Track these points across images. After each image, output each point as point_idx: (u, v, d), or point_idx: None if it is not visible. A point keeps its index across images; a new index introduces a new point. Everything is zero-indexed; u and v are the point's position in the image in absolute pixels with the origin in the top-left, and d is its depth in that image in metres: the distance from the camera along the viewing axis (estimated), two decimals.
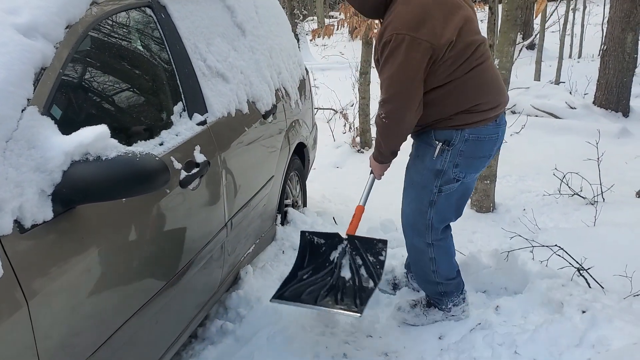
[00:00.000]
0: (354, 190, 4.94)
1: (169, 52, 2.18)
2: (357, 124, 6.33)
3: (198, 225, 2.13)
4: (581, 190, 4.45)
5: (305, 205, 3.75)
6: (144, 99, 2.11)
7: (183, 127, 2.11)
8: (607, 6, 11.79)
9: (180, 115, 2.15)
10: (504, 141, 2.58)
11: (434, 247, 2.53)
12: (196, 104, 2.26)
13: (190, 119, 2.19)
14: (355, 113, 6.49)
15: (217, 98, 2.41)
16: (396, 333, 2.60)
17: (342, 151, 6.15)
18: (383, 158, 2.49)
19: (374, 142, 6.28)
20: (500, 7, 7.04)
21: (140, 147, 1.82)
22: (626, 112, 7.15)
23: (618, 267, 3.05)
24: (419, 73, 2.16)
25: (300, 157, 3.68)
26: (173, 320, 2.07)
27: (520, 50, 11.96)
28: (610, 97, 7.10)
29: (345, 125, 6.83)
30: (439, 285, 2.60)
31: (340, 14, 6.73)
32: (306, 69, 3.94)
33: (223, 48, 2.59)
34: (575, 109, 7.06)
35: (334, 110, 7.73)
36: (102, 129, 1.46)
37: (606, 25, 7.34)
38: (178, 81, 2.19)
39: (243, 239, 2.66)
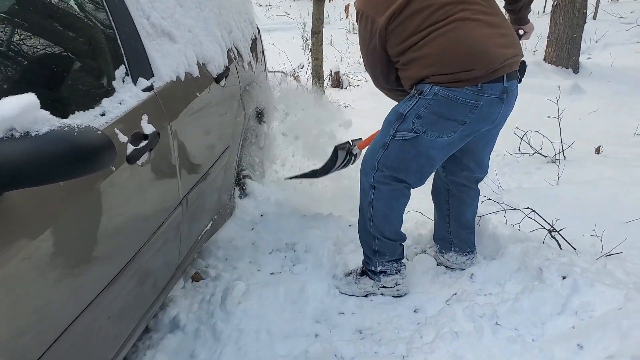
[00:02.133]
0: None
1: (107, 8, 1.89)
2: (310, 86, 6.08)
3: (150, 204, 1.89)
4: (541, 149, 4.40)
5: (263, 175, 3.53)
6: (80, 63, 1.82)
7: (127, 94, 1.84)
8: None
9: (124, 81, 1.87)
10: None
11: (375, 191, 2.43)
12: (141, 67, 1.98)
13: (135, 84, 1.92)
14: (308, 75, 6.23)
15: (164, 60, 2.13)
16: (368, 308, 2.45)
17: None
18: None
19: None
20: None
21: (79, 119, 1.56)
22: (576, 69, 7.16)
23: (586, 227, 2.99)
24: (371, 43, 2.30)
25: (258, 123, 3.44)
26: (128, 311, 1.85)
27: None
28: (561, 53, 7.08)
29: (297, 89, 6.57)
30: (375, 240, 2.51)
31: None
32: (258, 27, 3.67)
33: (168, 3, 2.30)
34: (527, 66, 7.00)
35: (284, 73, 7.44)
36: (30, 99, 1.19)
37: None
38: (119, 41, 1.90)
39: (201, 216, 2.43)
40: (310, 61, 5.92)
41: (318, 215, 3.13)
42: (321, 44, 5.77)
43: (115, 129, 1.69)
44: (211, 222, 2.61)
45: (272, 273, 2.71)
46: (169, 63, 2.16)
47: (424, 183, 2.47)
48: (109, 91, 1.79)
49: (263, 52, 3.75)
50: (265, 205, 3.02)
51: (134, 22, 2.00)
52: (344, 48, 9.21)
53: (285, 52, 7.69)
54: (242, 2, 3.37)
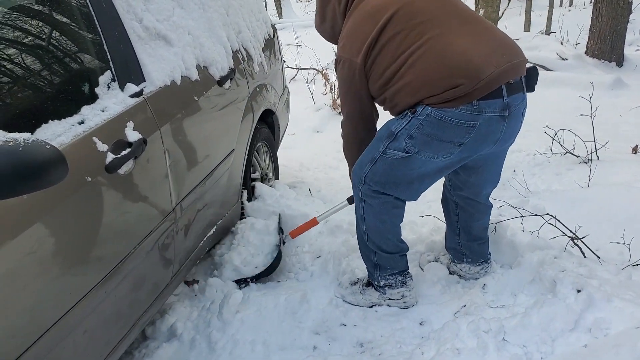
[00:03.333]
0: (334, 156, 4.67)
1: (93, 12, 1.86)
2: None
3: (134, 214, 1.84)
4: (574, 148, 4.18)
5: (277, 177, 3.46)
6: (58, 69, 1.78)
7: (111, 101, 1.80)
8: None
9: (109, 87, 1.83)
10: None
11: (364, 205, 2.32)
12: (129, 72, 1.94)
13: (122, 90, 1.88)
14: None
15: (158, 64, 2.09)
16: (372, 320, 2.35)
17: (323, 114, 5.82)
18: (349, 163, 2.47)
19: None
20: None
21: (52, 129, 1.53)
22: (620, 62, 6.83)
23: (614, 233, 2.82)
24: (352, 87, 2.21)
25: (270, 126, 3.38)
26: (118, 318, 1.81)
27: (509, 0, 11.55)
28: (604, 46, 6.76)
29: (325, 86, 6.49)
30: (373, 254, 2.40)
31: None
32: (273, 26, 3.60)
33: (165, 5, 2.26)
34: (566, 60, 6.74)
35: (315, 69, 7.37)
36: None
37: None
38: (105, 46, 1.86)
39: (200, 223, 2.38)
40: None
41: (328, 219, 3.04)
42: None
43: (94, 137, 1.65)
44: (215, 227, 2.56)
45: (278, 281, 2.65)
46: (163, 67, 2.11)
47: (416, 199, 2.33)
48: (91, 98, 1.76)
49: (280, 51, 3.67)
50: (275, 209, 2.94)
51: (123, 26, 1.96)
52: None
53: (314, 50, 7.59)
54: (255, 1, 3.30)
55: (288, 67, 7.19)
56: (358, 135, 2.35)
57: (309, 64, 7.67)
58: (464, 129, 2.02)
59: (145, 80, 2.00)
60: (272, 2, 14.85)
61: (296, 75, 7.37)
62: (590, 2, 9.55)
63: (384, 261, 2.39)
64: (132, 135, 1.81)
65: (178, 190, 2.10)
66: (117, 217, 1.75)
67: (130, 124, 1.82)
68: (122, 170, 1.75)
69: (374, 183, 2.24)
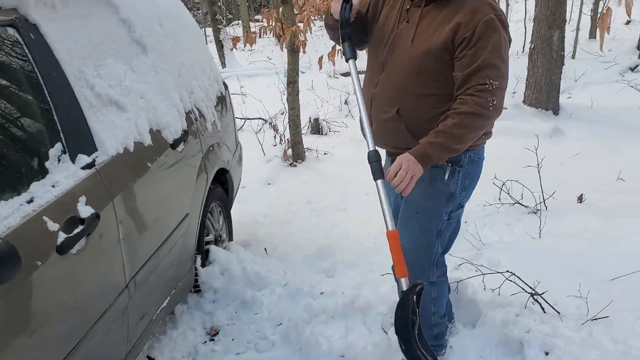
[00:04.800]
0: (287, 209, 4.61)
1: (42, 82, 1.76)
2: (287, 135, 5.98)
3: (86, 295, 1.71)
4: (522, 198, 4.27)
5: (231, 238, 3.35)
6: (5, 143, 1.66)
7: (62, 175, 1.70)
8: (529, 2, 11.99)
9: (59, 160, 1.72)
10: None
11: (437, 285, 2.24)
12: (81, 142, 1.84)
13: (73, 162, 1.78)
14: (286, 124, 6.12)
15: (110, 132, 1.99)
16: None
17: (273, 166, 5.76)
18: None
19: (307, 154, 5.96)
20: None
21: None
22: (556, 110, 7.12)
23: (571, 285, 2.85)
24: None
25: (223, 184, 3.29)
26: None
27: None
28: (540, 95, 7.04)
29: (275, 137, 6.46)
30: (434, 327, 2.32)
31: (262, 20, 6.36)
32: (224, 83, 3.55)
33: (117, 70, 2.18)
34: (506, 109, 6.95)
35: (263, 119, 7.35)
36: None
37: (531, 23, 7.30)
38: (55, 117, 1.76)
39: (153, 295, 2.25)
40: (287, 110, 5.81)
41: (288, 282, 2.96)
42: (297, 94, 5.68)
43: (44, 216, 1.54)
44: (168, 298, 2.43)
45: (237, 353, 2.52)
46: (115, 134, 2.02)
47: None
48: (41, 173, 1.64)
49: (231, 109, 3.62)
50: (231, 274, 2.84)
51: (74, 94, 1.87)
52: (325, 93, 9.15)
53: (263, 100, 7.60)
54: (207, 60, 3.26)
55: (235, 117, 7.14)
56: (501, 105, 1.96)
57: (255, 113, 7.65)
58: (481, 164, 2.16)
59: (97, 150, 1.91)
60: (214, 51, 14.87)
61: (243, 125, 7.33)
62: (523, 52, 10.04)
63: (444, 325, 2.39)
64: (85, 210, 1.70)
65: (132, 264, 1.99)
66: (69, 301, 1.62)
67: (83, 199, 1.71)
68: (75, 249, 1.63)
69: (443, 255, 2.20)
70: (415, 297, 1.81)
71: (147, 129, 2.25)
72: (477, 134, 1.91)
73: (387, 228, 1.89)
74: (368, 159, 1.96)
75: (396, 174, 1.83)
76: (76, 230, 1.63)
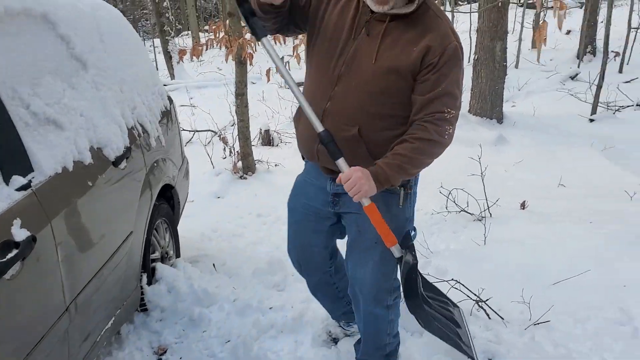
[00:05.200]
0: (237, 223, 4.57)
1: None
2: (237, 147, 5.95)
3: (23, 321, 1.66)
4: (467, 206, 4.38)
5: (178, 255, 3.31)
6: None
7: None
8: (473, 14, 12.32)
9: None
10: None
11: (394, 308, 2.25)
12: (15, 163, 1.78)
13: (7, 184, 1.72)
14: (235, 136, 6.10)
15: (48, 151, 1.94)
16: None
17: (223, 179, 5.72)
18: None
19: (258, 166, 5.93)
20: None
21: None
22: (500, 119, 7.33)
23: (514, 291, 2.93)
24: None
25: (169, 200, 3.25)
26: None
27: None
28: (485, 105, 7.25)
29: (225, 150, 6.42)
30: (387, 346, 2.33)
31: (210, 33, 6.32)
32: (169, 98, 3.52)
33: (55, 88, 2.12)
34: None
35: (212, 131, 7.30)
36: None
37: (475, 35, 7.51)
38: None
39: (97, 316, 2.20)
40: (237, 122, 5.79)
41: (237, 298, 2.94)
42: (246, 105, 5.67)
43: None
44: (113, 319, 2.38)
45: None
46: (53, 154, 1.97)
47: None
48: None
49: (177, 122, 3.59)
50: (178, 291, 2.80)
51: (8, 114, 1.82)
52: (276, 104, 9.17)
53: (211, 112, 7.56)
54: (150, 75, 3.22)
55: (183, 129, 7.07)
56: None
57: (204, 125, 7.59)
58: None
59: (33, 170, 1.85)
60: (163, 62, 14.69)
61: (192, 137, 7.26)
62: (469, 62, 10.29)
63: (396, 344, 2.40)
64: (20, 234, 1.65)
65: (72, 286, 1.93)
66: (4, 326, 1.57)
67: (18, 222, 1.66)
68: (9, 274, 1.58)
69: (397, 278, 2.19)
70: (412, 256, 2.02)
71: (88, 147, 2.20)
72: (431, 161, 1.93)
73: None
74: (321, 140, 1.92)
75: (348, 179, 1.83)
76: (10, 255, 1.58)
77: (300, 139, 2.17)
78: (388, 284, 2.16)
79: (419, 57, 1.85)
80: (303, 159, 2.28)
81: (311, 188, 2.22)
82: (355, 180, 1.82)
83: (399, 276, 2.11)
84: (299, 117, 2.12)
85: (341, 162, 1.91)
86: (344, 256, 2.33)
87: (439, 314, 2.21)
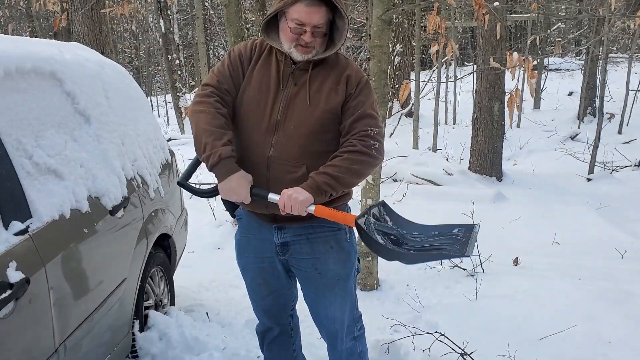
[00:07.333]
0: (235, 273, 4.61)
1: None
2: None
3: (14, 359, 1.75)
4: (461, 262, 4.43)
5: (172, 303, 3.38)
6: None
7: None
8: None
9: None
10: None
11: (360, 339, 2.36)
12: (14, 209, 1.91)
13: (7, 229, 1.85)
14: None
15: (47, 199, 2.07)
16: None
17: (224, 230, 5.82)
18: (331, 186, 1.98)
19: None
20: None
21: None
22: (499, 177, 7.46)
23: (501, 345, 2.98)
24: None
25: (166, 249, 3.35)
26: None
27: (400, 118, 12.43)
28: (484, 162, 7.39)
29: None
30: None
31: None
32: (171, 151, 3.68)
33: (58, 140, 2.27)
34: (452, 175, 7.26)
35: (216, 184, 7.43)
36: None
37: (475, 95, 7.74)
38: None
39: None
40: None
41: (227, 347, 3.00)
42: None
43: None
44: None
45: None
46: (52, 202, 2.09)
47: None
48: None
49: (177, 175, 3.73)
50: (169, 339, 2.86)
51: (11, 163, 1.96)
52: None
53: None
54: (153, 129, 3.39)
55: (189, 183, 7.22)
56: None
57: (210, 178, 7.73)
58: None
59: (32, 217, 1.97)
60: (174, 117, 15.09)
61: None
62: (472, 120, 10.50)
63: None
64: (14, 275, 1.75)
65: (62, 329, 2.02)
66: None
67: (13, 264, 1.77)
68: (2, 313, 1.68)
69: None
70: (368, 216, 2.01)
71: (85, 196, 2.33)
72: (363, 170, 2.04)
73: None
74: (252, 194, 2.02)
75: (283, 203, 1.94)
76: (4, 295, 1.68)
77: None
78: (353, 315, 2.29)
79: (343, 90, 2.08)
80: (233, 216, 2.39)
81: (256, 242, 2.26)
82: (286, 197, 1.93)
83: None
84: None
85: (272, 196, 2.00)
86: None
87: (411, 245, 2.08)
